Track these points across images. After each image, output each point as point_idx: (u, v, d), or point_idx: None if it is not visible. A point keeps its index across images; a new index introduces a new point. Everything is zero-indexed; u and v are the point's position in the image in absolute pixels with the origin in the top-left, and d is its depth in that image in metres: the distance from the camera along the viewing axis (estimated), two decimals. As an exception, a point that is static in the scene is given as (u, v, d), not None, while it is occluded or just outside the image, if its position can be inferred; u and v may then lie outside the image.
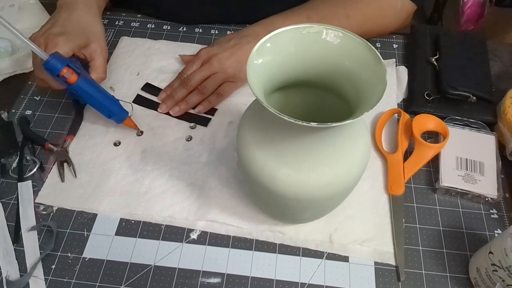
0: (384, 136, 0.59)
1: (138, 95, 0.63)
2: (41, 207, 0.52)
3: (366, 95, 0.37)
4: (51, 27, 0.57)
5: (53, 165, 0.56)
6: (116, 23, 0.74)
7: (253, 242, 0.50)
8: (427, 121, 0.57)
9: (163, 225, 0.51)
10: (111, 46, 0.70)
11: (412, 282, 0.47)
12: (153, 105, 0.62)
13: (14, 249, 0.49)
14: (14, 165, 0.55)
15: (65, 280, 0.47)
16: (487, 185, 0.52)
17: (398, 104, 0.63)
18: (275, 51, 0.39)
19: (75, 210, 0.52)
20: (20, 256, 0.49)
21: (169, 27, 0.73)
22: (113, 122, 0.57)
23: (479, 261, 0.46)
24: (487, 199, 0.52)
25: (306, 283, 0.47)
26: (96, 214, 0.52)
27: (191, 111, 0.61)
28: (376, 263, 0.49)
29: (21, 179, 0.54)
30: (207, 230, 0.51)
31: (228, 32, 0.72)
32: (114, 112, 0.56)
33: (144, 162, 0.56)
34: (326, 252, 0.49)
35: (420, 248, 0.50)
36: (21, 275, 0.47)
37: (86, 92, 0.53)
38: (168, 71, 0.66)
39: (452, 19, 1.18)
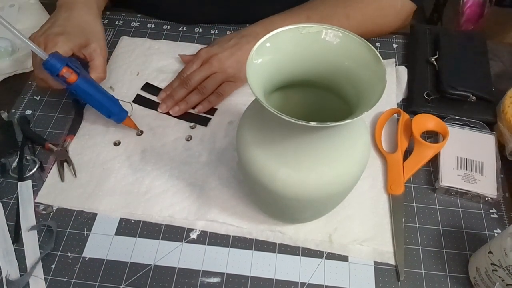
0: (383, 136, 0.59)
1: (138, 95, 0.63)
2: (41, 207, 0.52)
3: (366, 95, 0.37)
4: (51, 26, 0.57)
5: (53, 165, 0.56)
6: (116, 23, 0.74)
7: (253, 242, 0.50)
8: (427, 121, 0.57)
9: (163, 224, 0.51)
10: (111, 46, 0.70)
11: (411, 281, 0.47)
12: (153, 105, 0.62)
13: (14, 248, 0.49)
14: (14, 164, 0.55)
15: (65, 279, 0.47)
16: (487, 184, 0.52)
17: (397, 104, 0.63)
18: (275, 51, 0.39)
19: (75, 210, 0.52)
20: (20, 256, 0.49)
21: (169, 27, 0.73)
22: (113, 122, 0.57)
23: (478, 260, 0.46)
24: (486, 198, 0.52)
25: (305, 283, 0.47)
26: (96, 214, 0.52)
27: (191, 111, 0.61)
28: (375, 263, 0.49)
29: (21, 178, 0.54)
30: (207, 229, 0.51)
31: (228, 32, 0.72)
32: (114, 112, 0.56)
33: (144, 162, 0.56)
34: (325, 252, 0.49)
35: (420, 247, 0.50)
36: (21, 275, 0.47)
37: (86, 92, 0.53)
38: (168, 71, 0.66)
39: (452, 19, 1.18)
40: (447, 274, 0.48)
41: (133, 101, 0.62)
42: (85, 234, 0.50)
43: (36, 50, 0.49)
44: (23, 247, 0.49)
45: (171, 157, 0.57)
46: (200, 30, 0.73)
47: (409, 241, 0.50)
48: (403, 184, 0.54)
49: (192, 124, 0.60)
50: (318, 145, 0.38)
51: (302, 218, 0.49)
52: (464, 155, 0.55)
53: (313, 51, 0.40)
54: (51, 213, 0.52)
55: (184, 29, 0.73)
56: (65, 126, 0.60)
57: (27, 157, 0.56)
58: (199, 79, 0.60)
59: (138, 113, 0.61)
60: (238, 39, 0.61)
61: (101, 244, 0.50)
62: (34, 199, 0.53)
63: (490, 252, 0.43)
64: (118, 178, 0.55)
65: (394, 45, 0.71)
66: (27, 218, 0.51)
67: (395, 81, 0.65)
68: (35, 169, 0.55)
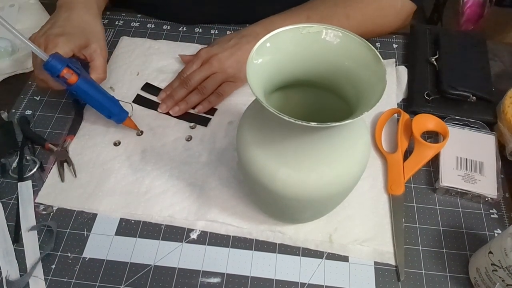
0: (384, 136, 0.59)
1: (138, 95, 0.63)
2: (41, 207, 0.52)
3: (366, 95, 0.37)
4: (51, 27, 0.57)
5: (53, 165, 0.56)
6: (116, 23, 0.74)
7: (253, 242, 0.50)
8: (427, 121, 0.57)
9: (163, 225, 0.51)
10: (111, 46, 0.70)
11: (412, 282, 0.47)
12: (153, 105, 0.62)
13: (14, 249, 0.49)
14: (14, 165, 0.55)
15: (65, 280, 0.47)
16: (487, 185, 0.52)
17: (398, 104, 0.63)
18: (275, 51, 0.39)
19: (75, 210, 0.52)
20: (20, 256, 0.49)
21: (169, 27, 0.73)
22: (113, 122, 0.57)
23: (479, 261, 0.46)
24: (487, 199, 0.52)
25: (306, 283, 0.47)
26: (96, 214, 0.52)
27: (191, 111, 0.61)
28: (376, 263, 0.49)
29: (21, 179, 0.54)
30: (207, 230, 0.51)
31: (228, 32, 0.72)
32: (114, 113, 0.56)
33: (144, 162, 0.56)
34: (326, 252, 0.49)
35: (420, 248, 0.50)
36: (21, 275, 0.47)
37: (86, 93, 0.53)
38: (168, 71, 0.66)
39: (452, 19, 1.18)
40: (447, 274, 0.48)
41: (133, 101, 0.62)
42: (85, 234, 0.50)
43: (36, 51, 0.49)
44: (23, 247, 0.49)
45: (171, 157, 0.57)
46: (200, 30, 0.73)
47: (409, 241, 0.50)
48: (403, 184, 0.54)
49: (192, 124, 0.60)
50: (318, 145, 0.38)
51: (302, 218, 0.49)
52: (464, 155, 0.55)
53: (313, 51, 0.40)
54: (51, 213, 0.52)
55: (184, 29, 0.73)
56: (65, 126, 0.60)
57: (27, 157, 0.56)
58: (199, 79, 0.60)
59: (138, 113, 0.61)
60: (238, 39, 0.61)
61: (101, 245, 0.50)
62: (34, 199, 0.53)
63: (490, 252, 0.43)
64: (118, 178, 0.55)
65: (394, 45, 0.71)
66: (27, 218, 0.51)
67: (395, 81, 0.65)
68: (35, 169, 0.55)
